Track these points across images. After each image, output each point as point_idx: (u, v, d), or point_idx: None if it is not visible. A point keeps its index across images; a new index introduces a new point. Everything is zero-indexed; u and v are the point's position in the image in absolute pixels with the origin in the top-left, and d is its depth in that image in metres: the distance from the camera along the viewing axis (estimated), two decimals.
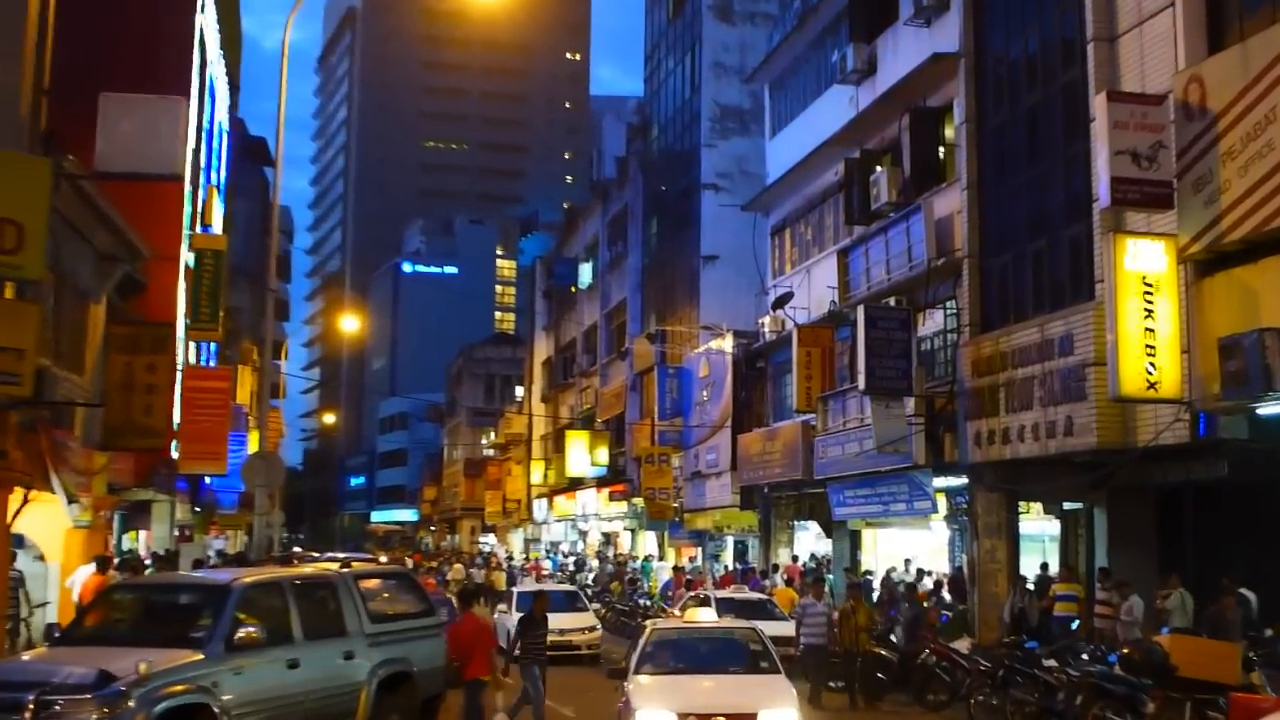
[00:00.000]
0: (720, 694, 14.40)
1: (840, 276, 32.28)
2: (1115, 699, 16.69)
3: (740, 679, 15.08)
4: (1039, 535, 27.15)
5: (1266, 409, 17.85)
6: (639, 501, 49.71)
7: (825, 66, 35.58)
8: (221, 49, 38.41)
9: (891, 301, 29.24)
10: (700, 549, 47.37)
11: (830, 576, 34.67)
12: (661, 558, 50.22)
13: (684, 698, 14.08)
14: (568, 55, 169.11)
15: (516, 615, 26.15)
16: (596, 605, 35.30)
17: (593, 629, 29.69)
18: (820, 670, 21.98)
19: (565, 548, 67.12)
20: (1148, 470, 21.50)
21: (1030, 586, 24.34)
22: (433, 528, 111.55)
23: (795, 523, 39.47)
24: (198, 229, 33.06)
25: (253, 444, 37.24)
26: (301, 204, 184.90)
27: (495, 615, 30.69)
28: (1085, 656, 18.29)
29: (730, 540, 45.19)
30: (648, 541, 54.19)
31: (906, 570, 30.74)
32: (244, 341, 48.42)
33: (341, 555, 26.98)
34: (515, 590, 32.21)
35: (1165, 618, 20.15)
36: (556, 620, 24.99)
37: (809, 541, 38.85)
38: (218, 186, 39.15)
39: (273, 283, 31.45)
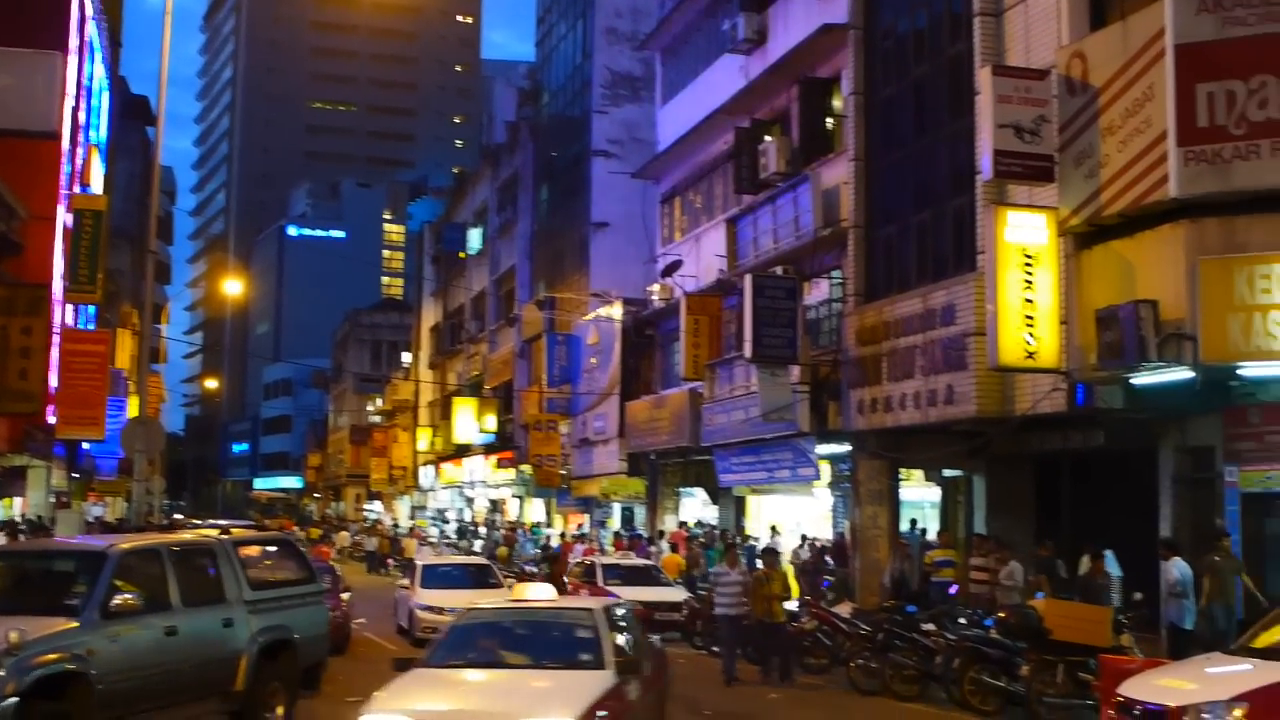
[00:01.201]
0: (484, 695, 11.43)
1: (729, 245, 32.45)
2: (991, 662, 17.06)
3: (526, 677, 11.72)
4: (920, 502, 27.61)
5: (1141, 379, 18.28)
6: (526, 469, 49.70)
7: (717, 35, 35.63)
8: (102, 3, 37.53)
9: (779, 270, 29.44)
10: (588, 516, 47.48)
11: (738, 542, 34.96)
12: (549, 525, 50.27)
13: (431, 699, 11.30)
14: (459, 18, 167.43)
15: (421, 593, 25.40)
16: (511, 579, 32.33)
17: None
18: (733, 642, 20.70)
19: (451, 515, 66.89)
20: (1026, 439, 21.95)
21: (903, 540, 24.85)
22: (317, 495, 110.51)
23: (681, 489, 39.71)
24: (76, 189, 32.33)
25: (132, 409, 36.53)
26: (185, 164, 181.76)
27: (397, 593, 28.41)
28: (962, 621, 18.65)
29: (617, 507, 45.35)
30: (535, 509, 54.20)
31: (774, 538, 30.89)
32: (124, 304, 47.55)
33: (223, 522, 26.63)
34: (419, 564, 28.61)
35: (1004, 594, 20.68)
36: (464, 598, 23.70)
37: (695, 508, 39.12)
38: (98, 145, 38.32)
39: (153, 244, 30.90)
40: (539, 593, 14.15)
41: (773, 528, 31.59)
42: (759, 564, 21.90)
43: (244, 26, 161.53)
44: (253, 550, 15.11)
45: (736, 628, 20.77)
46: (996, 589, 21.03)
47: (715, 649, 23.71)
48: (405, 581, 28.05)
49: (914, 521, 26.42)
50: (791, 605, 21.74)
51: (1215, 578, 17.22)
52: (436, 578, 26.46)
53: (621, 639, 12.59)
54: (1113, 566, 20.05)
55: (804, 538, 30.39)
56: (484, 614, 13.52)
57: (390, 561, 52.37)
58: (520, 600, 13.87)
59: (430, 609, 24.45)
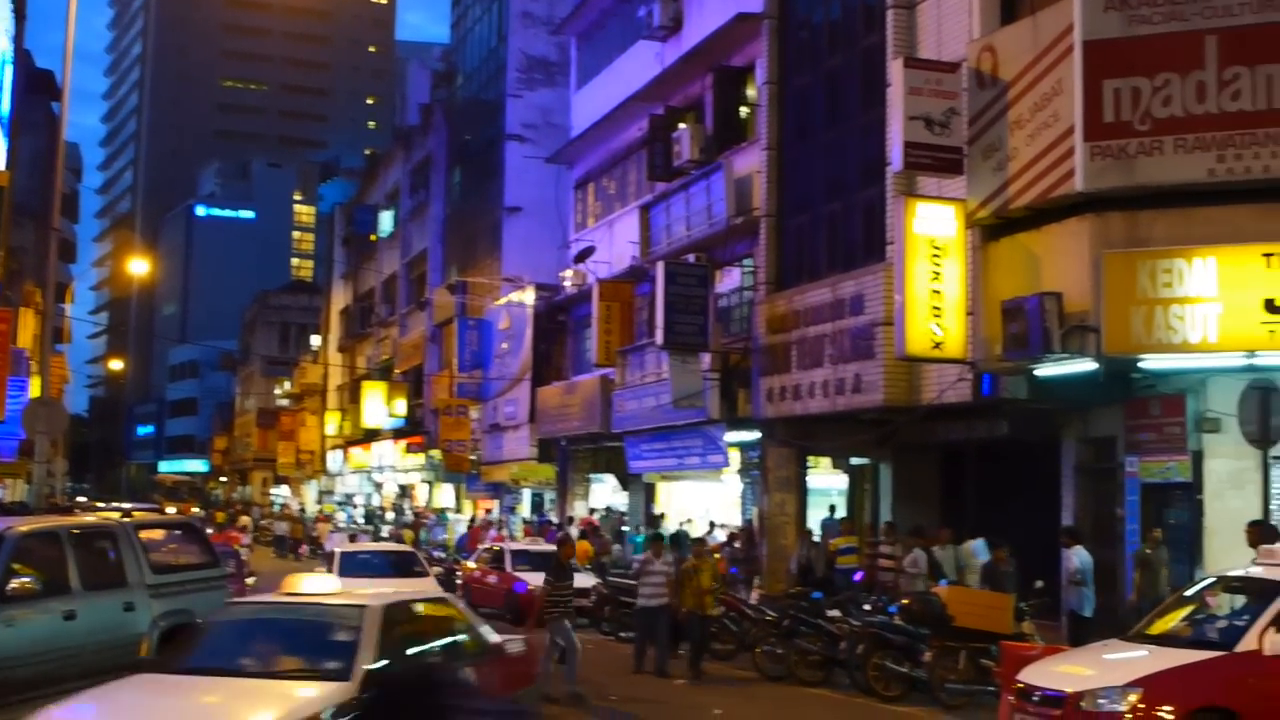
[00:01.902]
0: (185, 702, 9.50)
1: (642, 232, 32.48)
2: (895, 648, 17.26)
3: (244, 691, 9.61)
4: (827, 489, 27.80)
5: (1045, 370, 18.54)
6: (436, 454, 49.45)
7: (632, 21, 35.60)
8: None
9: (691, 258, 29.52)
10: (497, 501, 47.35)
11: (625, 529, 35.05)
12: (458, 510, 50.08)
13: (119, 708, 9.52)
14: None
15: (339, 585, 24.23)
16: (438, 569, 29.96)
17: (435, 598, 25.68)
18: (653, 635, 19.69)
19: (360, 500, 66.42)
20: (932, 428, 22.19)
21: (816, 539, 24.97)
22: (223, 479, 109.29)
23: (592, 476, 39.72)
24: None
25: (34, 389, 35.89)
26: (92, 141, 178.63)
27: None
28: (867, 607, 18.82)
29: (527, 493, 45.27)
30: (445, 494, 53.96)
31: (711, 531, 30.88)
32: (27, 283, 46.59)
33: (126, 505, 26.21)
34: (336, 551, 26.32)
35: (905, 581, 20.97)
36: (386, 587, 22.64)
37: (605, 494, 39.15)
38: (1, 121, 37.51)
39: (57, 222, 30.35)
40: (316, 585, 11.43)
41: (711, 523, 31.30)
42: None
43: (154, 2, 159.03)
44: (155, 534, 14.95)
45: (658, 619, 19.70)
46: (900, 576, 21.26)
47: (624, 635, 23.81)
48: (322, 569, 25.73)
49: (833, 508, 26.59)
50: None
51: (1146, 571, 17.50)
52: (355, 566, 24.11)
53: (416, 644, 10.66)
54: (982, 553, 20.46)
55: (712, 524, 30.51)
56: (242, 610, 11.86)
57: (304, 548, 51.85)
58: (291, 594, 11.22)
59: None
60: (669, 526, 30.74)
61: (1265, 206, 16.58)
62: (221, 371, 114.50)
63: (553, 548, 29.53)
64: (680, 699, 17.55)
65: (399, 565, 24.65)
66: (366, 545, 32.67)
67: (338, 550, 26.29)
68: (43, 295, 39.35)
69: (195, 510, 62.27)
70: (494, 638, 11.91)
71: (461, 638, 11.66)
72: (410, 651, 10.53)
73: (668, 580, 19.71)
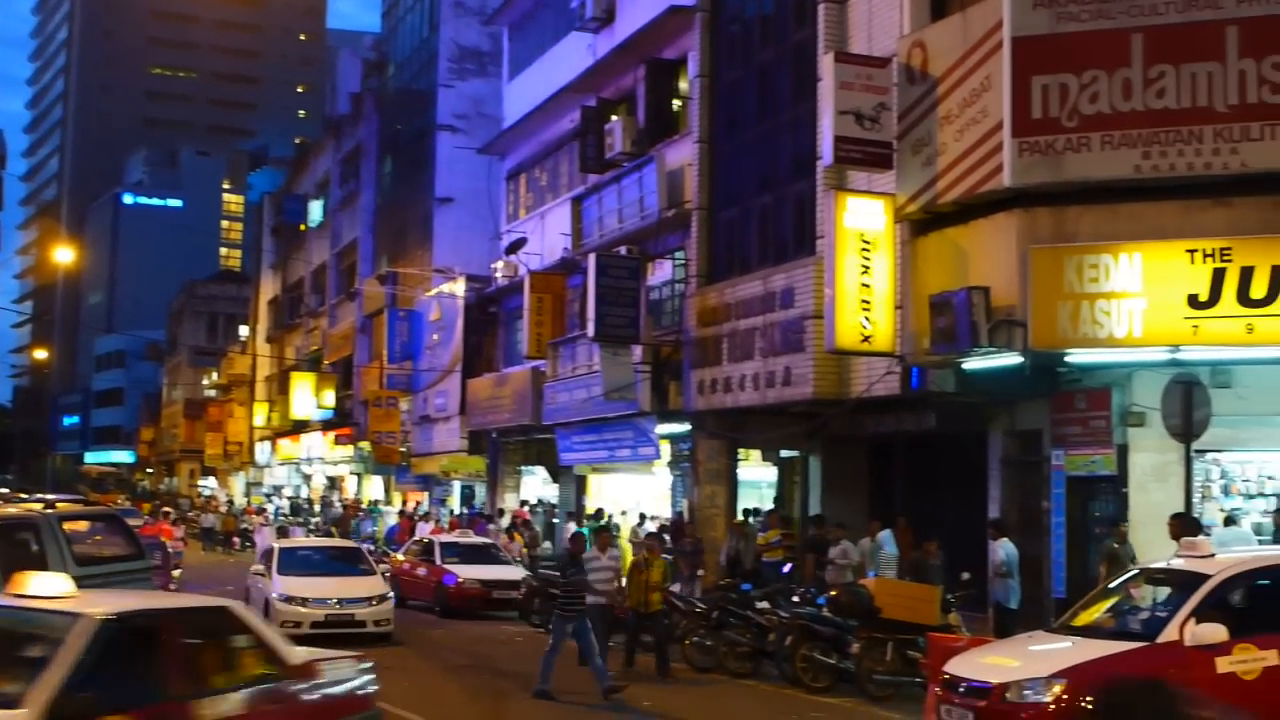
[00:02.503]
0: None
1: (574, 224, 32.42)
2: (823, 639, 17.36)
3: None
4: (757, 482, 27.92)
5: (972, 364, 18.70)
6: (365, 445, 49.15)
7: (564, 12, 35.51)
8: None
9: (623, 250, 29.53)
10: (427, 494, 47.15)
11: (556, 521, 35.02)
12: (388, 502, 49.82)
13: None
14: None
15: (279, 581, 22.19)
16: (384, 567, 28.30)
17: (382, 598, 22.23)
18: (607, 632, 18.77)
19: (288, 492, 65.90)
20: (861, 420, 22.35)
21: (748, 526, 25.10)
22: (150, 470, 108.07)
23: (523, 468, 39.65)
24: None
25: None
26: (16, 128, 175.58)
27: (249, 579, 24.67)
28: (796, 599, 18.91)
29: (458, 485, 45.12)
30: (374, 486, 53.66)
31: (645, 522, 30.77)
32: None
33: (49, 496, 25.79)
34: (275, 546, 24.98)
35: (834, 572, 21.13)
36: (330, 586, 22.03)
37: (536, 486, 39.09)
38: None
39: None
40: (45, 585, 8.81)
41: (641, 515, 31.12)
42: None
43: None
44: (79, 525, 14.77)
45: (608, 616, 18.87)
46: (829, 568, 21.37)
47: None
48: (259, 567, 24.52)
49: (755, 510, 26.69)
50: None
51: (1113, 565, 17.64)
52: (297, 563, 23.27)
53: (161, 664, 8.51)
54: (889, 544, 20.68)
55: (643, 516, 30.55)
56: None
57: (236, 540, 51.22)
58: (16, 595, 8.88)
59: (290, 600, 21.60)
60: (611, 520, 30.69)
61: (1189, 203, 16.81)
62: (148, 362, 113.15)
63: (484, 540, 29.68)
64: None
65: (343, 562, 23.93)
66: (307, 540, 31.58)
67: (276, 545, 25.36)
68: None
69: (121, 502, 61.56)
70: (297, 659, 9.66)
71: (245, 659, 9.44)
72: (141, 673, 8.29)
73: (615, 575, 19.06)
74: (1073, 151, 17.14)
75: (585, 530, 28.75)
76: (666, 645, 18.92)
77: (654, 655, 18.84)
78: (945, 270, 18.71)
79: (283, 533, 36.41)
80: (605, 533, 20.99)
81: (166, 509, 51.20)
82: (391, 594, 22.99)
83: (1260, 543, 17.23)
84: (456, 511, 42.14)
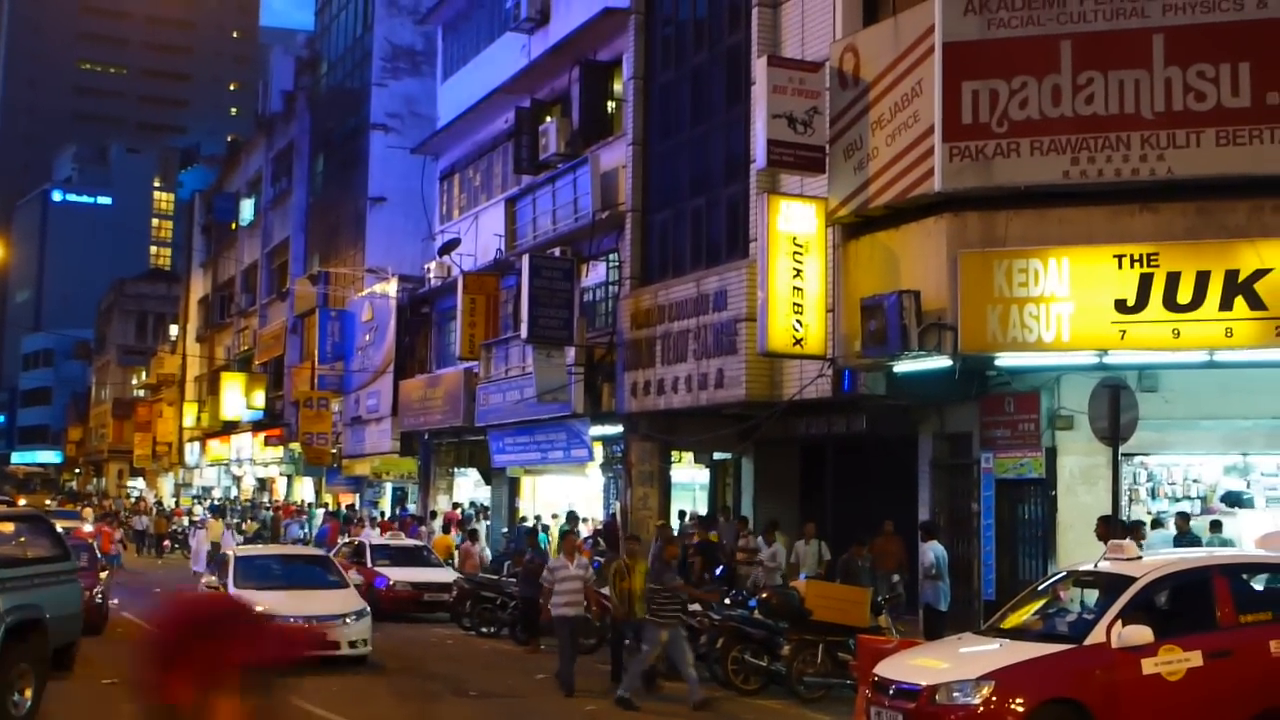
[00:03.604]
0: None
1: (508, 225, 32.32)
2: (754, 641, 17.36)
3: None
4: (690, 483, 27.96)
5: (902, 367, 18.81)
6: (296, 446, 48.75)
7: (499, 12, 35.39)
8: None
9: (557, 252, 29.48)
10: (358, 495, 46.84)
11: (488, 523, 34.89)
12: (320, 504, 49.42)
13: None
14: None
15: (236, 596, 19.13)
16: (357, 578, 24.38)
17: (359, 614, 19.30)
18: (573, 647, 17.66)
19: (218, 493, 65.24)
20: (793, 423, 22.43)
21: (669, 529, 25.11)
22: (78, 470, 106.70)
23: (455, 469, 39.47)
24: None
25: None
26: None
27: (200, 591, 21.12)
28: (727, 601, 18.91)
29: (389, 486, 44.86)
30: (305, 487, 53.22)
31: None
32: None
33: None
34: (230, 555, 22.00)
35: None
36: (297, 601, 18.59)
37: (468, 488, 38.94)
38: None
39: None
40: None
41: (571, 514, 30.85)
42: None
43: None
44: (3, 526, 14.52)
45: (576, 630, 17.84)
46: (759, 569, 21.42)
47: (486, 630, 23.68)
48: (212, 579, 21.68)
49: (682, 513, 26.77)
50: None
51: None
52: (256, 573, 20.27)
53: None
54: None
55: (573, 515, 30.49)
56: None
57: (168, 543, 50.44)
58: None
59: None
60: (540, 521, 30.58)
61: (1117, 208, 17.01)
62: (76, 360, 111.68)
63: (416, 542, 29.48)
64: (534, 689, 17.51)
65: (309, 573, 20.89)
66: (268, 548, 28.76)
67: (231, 553, 22.19)
68: None
69: (49, 502, 60.73)
70: None
71: None
72: None
73: (586, 584, 18.11)
74: (1002, 156, 17.30)
75: (544, 537, 28.56)
76: (623, 653, 17.95)
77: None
78: (876, 274, 18.80)
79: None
80: (571, 538, 19.70)
81: (87, 510, 50.53)
82: (368, 609, 19.81)
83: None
84: (388, 514, 41.89)
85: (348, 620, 18.87)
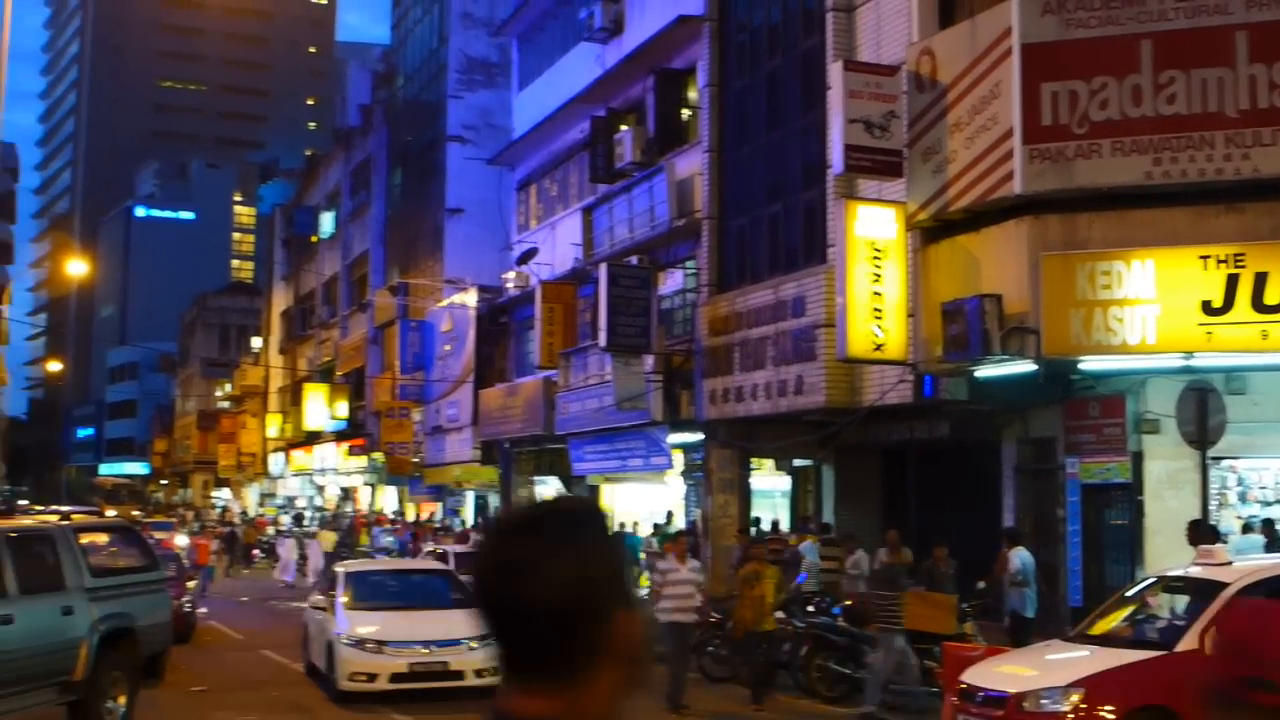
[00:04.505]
0: None
1: (585, 234, 32.44)
2: (838, 649, 17.31)
3: None
4: (770, 491, 27.90)
5: (984, 372, 18.67)
6: (378, 456, 49.18)
7: (573, 23, 35.54)
8: None
9: (634, 260, 29.52)
10: (440, 504, 47.16)
11: None
12: (402, 514, 49.81)
13: None
14: None
15: (346, 618, 17.19)
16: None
17: (482, 639, 15.72)
18: (684, 658, 16.83)
19: (301, 503, 65.97)
20: (873, 429, 22.31)
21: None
22: (164, 481, 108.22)
23: (535, 478, 39.60)
24: None
25: None
26: (29, 141, 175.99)
27: (306, 613, 19.54)
28: (811, 608, 18.86)
29: (471, 495, 45.13)
30: (388, 497, 53.68)
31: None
32: None
33: (65, 508, 25.83)
34: (340, 571, 19.49)
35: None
36: (416, 624, 17.09)
37: (549, 496, 39.01)
38: None
39: None
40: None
41: (669, 513, 30.90)
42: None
43: (91, 1, 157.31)
44: (94, 537, 14.78)
45: (688, 638, 16.89)
46: (843, 578, 21.33)
47: None
48: (319, 598, 19.26)
49: (775, 523, 26.74)
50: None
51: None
52: (370, 592, 18.27)
53: None
54: (811, 553, 20.63)
55: (656, 526, 30.53)
56: None
57: (256, 553, 49.82)
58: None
59: (361, 645, 16.57)
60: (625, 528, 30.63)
61: (1201, 209, 16.78)
62: (161, 373, 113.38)
63: None
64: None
65: (429, 591, 18.71)
66: (385, 564, 26.75)
67: (341, 570, 19.75)
68: None
69: (136, 513, 61.67)
70: None
71: None
72: None
73: (699, 589, 17.37)
74: (1083, 158, 17.13)
75: (636, 540, 28.61)
76: (770, 670, 17.14)
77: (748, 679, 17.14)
78: (957, 278, 18.68)
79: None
80: (683, 541, 18.40)
81: (205, 523, 51.10)
82: None
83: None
84: (462, 522, 42.16)
85: (473, 645, 16.38)
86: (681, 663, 16.53)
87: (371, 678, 16.22)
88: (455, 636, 16.55)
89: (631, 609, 2.21)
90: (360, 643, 16.49)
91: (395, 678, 16.25)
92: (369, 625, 16.86)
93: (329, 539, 40.92)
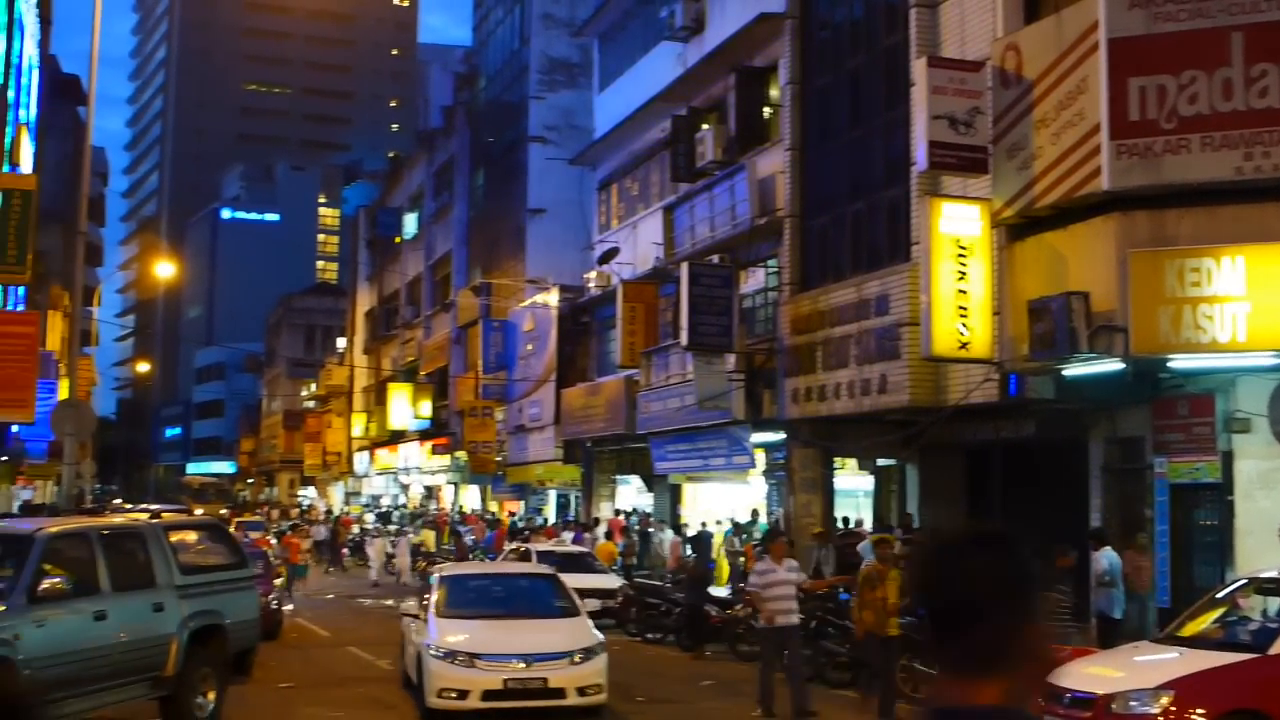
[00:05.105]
0: None
1: (666, 233, 32.47)
2: (923, 649, 17.14)
3: None
4: (853, 490, 27.77)
5: (1072, 370, 18.47)
6: (462, 455, 49.50)
7: (654, 22, 35.59)
8: None
9: (715, 259, 29.49)
10: (523, 503, 47.40)
11: (650, 531, 35.01)
12: (486, 512, 50.08)
13: None
14: (395, 1, 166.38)
15: (437, 626, 15.40)
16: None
17: (588, 652, 15.10)
18: (776, 661, 16.08)
19: (386, 501, 66.56)
20: (958, 428, 22.12)
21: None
22: (250, 480, 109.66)
23: (617, 477, 39.73)
24: (5, 168, 31.83)
25: (63, 391, 36.09)
26: (117, 145, 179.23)
27: (403, 620, 17.55)
28: None
29: (553, 494, 45.31)
30: (471, 495, 54.02)
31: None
32: (54, 286, 46.87)
33: (155, 506, 26.22)
34: (436, 576, 17.52)
35: None
36: (513, 635, 15.38)
37: (631, 495, 39.16)
38: (27, 125, 37.73)
39: (84, 225, 30.50)
40: None
41: (754, 511, 30.87)
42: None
43: (177, 6, 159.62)
44: (183, 535, 14.99)
45: (786, 641, 16.04)
46: None
47: (651, 636, 23.79)
48: (411, 604, 17.64)
49: (846, 520, 26.63)
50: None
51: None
52: (467, 598, 16.47)
53: None
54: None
55: (737, 525, 30.49)
56: None
57: (345, 551, 49.02)
58: None
59: (451, 657, 14.72)
60: (705, 529, 30.61)
61: None
62: (247, 374, 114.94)
63: (579, 549, 29.69)
64: (700, 694, 17.52)
65: (531, 598, 16.82)
66: (486, 567, 24.69)
67: (438, 573, 17.89)
68: (70, 298, 39.53)
69: (223, 512, 62.45)
70: None
71: None
72: None
73: (806, 586, 16.93)
74: (1172, 153, 16.89)
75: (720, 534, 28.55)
76: (893, 678, 15.89)
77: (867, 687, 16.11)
78: (1043, 275, 18.49)
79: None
80: (782, 542, 17.42)
81: (294, 522, 51.51)
82: (603, 642, 15.59)
83: None
84: (543, 521, 42.35)
85: (575, 659, 14.89)
86: (796, 664, 15.79)
87: (462, 694, 14.46)
88: (557, 649, 14.99)
89: (1039, 618, 2.67)
90: (450, 655, 14.73)
91: (488, 695, 14.47)
92: (461, 635, 15.16)
93: (430, 539, 40.98)
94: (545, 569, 19.03)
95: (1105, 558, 18.33)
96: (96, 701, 12.46)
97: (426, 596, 16.56)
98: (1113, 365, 17.69)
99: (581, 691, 14.65)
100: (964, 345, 19.59)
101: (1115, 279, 17.06)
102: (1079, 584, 18.48)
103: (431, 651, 14.83)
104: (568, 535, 34.40)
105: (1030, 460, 21.97)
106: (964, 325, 19.55)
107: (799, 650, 16.10)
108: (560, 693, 14.59)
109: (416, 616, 16.34)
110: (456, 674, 14.52)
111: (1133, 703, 11.17)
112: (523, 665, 14.65)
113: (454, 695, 14.46)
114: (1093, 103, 17.49)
